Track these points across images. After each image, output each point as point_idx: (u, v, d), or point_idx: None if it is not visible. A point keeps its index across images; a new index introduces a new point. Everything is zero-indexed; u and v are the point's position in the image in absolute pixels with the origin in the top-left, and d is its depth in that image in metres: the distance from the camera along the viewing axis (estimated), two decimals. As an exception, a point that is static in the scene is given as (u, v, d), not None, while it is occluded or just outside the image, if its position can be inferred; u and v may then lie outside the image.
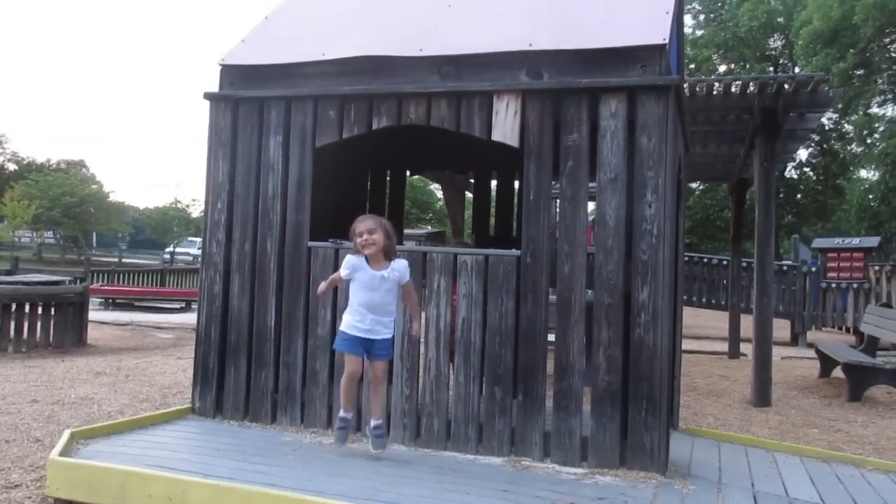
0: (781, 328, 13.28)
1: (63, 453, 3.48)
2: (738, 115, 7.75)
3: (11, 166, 54.67)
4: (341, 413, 4.04)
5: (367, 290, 3.93)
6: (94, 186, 49.57)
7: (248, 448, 3.98)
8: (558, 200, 4.20)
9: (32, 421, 5.11)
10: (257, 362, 4.67)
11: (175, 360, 8.72)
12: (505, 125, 4.23)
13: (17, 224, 40.11)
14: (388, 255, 3.98)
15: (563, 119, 4.14)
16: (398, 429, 4.34)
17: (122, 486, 3.16)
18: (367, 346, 3.93)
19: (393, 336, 4.05)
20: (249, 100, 4.77)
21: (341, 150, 4.98)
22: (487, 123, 4.27)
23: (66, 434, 3.80)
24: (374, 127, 4.51)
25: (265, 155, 4.73)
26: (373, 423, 3.97)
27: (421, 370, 4.35)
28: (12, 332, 9.11)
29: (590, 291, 4.08)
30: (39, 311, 9.55)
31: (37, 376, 7.07)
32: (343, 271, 4.04)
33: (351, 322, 3.94)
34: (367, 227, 3.96)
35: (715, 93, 7.16)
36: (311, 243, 4.63)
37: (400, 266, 4.00)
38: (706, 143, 9.23)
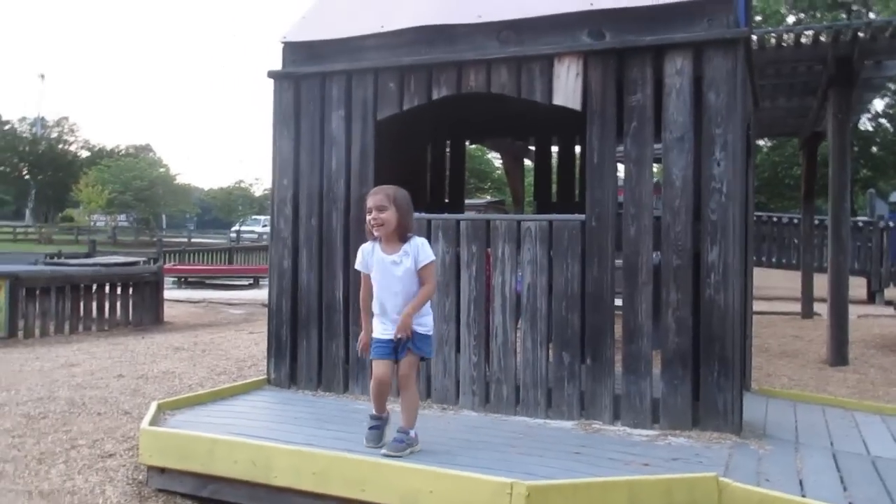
0: (857, 286, 12.81)
1: (153, 423, 3.66)
2: (809, 67, 7.44)
3: (84, 153, 56.87)
4: (372, 412, 3.54)
5: (382, 281, 3.40)
6: (161, 169, 51.18)
7: (324, 416, 4.12)
8: (621, 164, 4.15)
9: (120, 395, 5.37)
10: (328, 334, 4.79)
11: (247, 334, 9.00)
12: (567, 88, 4.18)
13: (93, 209, 41.81)
14: (403, 234, 3.41)
15: (627, 79, 4.06)
16: (468, 395, 4.40)
17: (211, 453, 3.32)
18: (395, 346, 3.38)
19: (425, 332, 3.44)
20: (311, 75, 4.83)
21: (401, 122, 5.01)
22: (549, 88, 4.22)
23: (154, 406, 3.99)
24: (434, 97, 4.52)
25: (328, 130, 4.80)
26: (397, 428, 3.44)
27: (489, 337, 4.39)
28: (94, 312, 9.55)
29: (656, 254, 4.02)
30: (118, 291, 9.96)
31: (120, 353, 7.40)
32: (357, 265, 3.52)
33: (376, 325, 3.45)
34: (375, 202, 3.37)
35: (785, 44, 6.87)
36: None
37: (414, 246, 3.38)
38: (775, 96, 8.89)
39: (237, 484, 3.25)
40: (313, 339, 4.84)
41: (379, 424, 3.50)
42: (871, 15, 26.76)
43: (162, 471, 3.43)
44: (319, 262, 4.84)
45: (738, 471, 3.21)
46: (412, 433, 3.43)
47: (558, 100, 4.20)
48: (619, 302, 4.08)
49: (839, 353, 6.76)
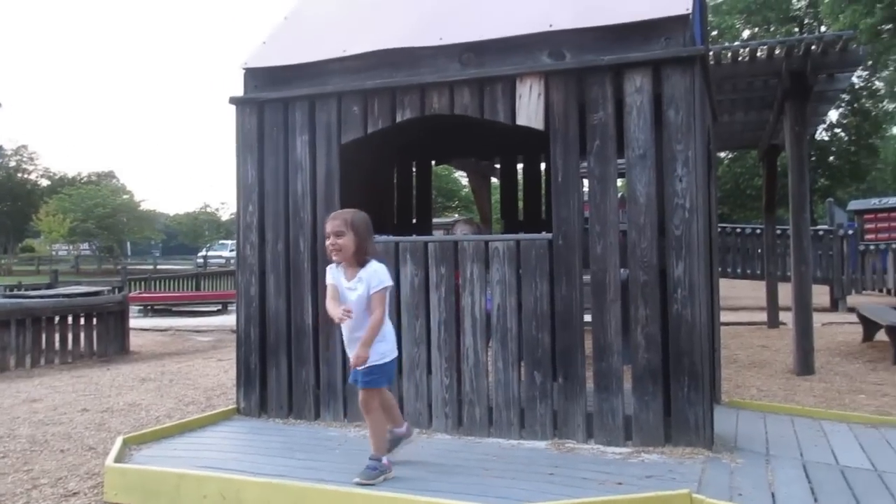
0: (820, 294, 13.07)
1: (118, 459, 3.57)
2: (765, 81, 7.61)
3: (44, 182, 55.81)
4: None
5: (343, 300, 3.43)
6: (125, 196, 50.45)
7: (295, 445, 4.05)
8: (587, 180, 4.18)
9: (84, 429, 5.23)
10: (298, 360, 4.73)
11: (216, 362, 8.86)
12: (529, 108, 4.21)
13: (54, 238, 40.99)
14: (362, 259, 3.41)
15: (588, 98, 4.11)
16: (440, 418, 4.37)
17: (178, 488, 3.24)
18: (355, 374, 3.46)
19: (376, 364, 3.41)
20: (274, 101, 4.81)
21: (366, 145, 5.00)
22: (511, 108, 4.26)
23: (119, 441, 3.90)
24: (398, 119, 4.52)
25: (292, 154, 4.77)
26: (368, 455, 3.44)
27: (460, 359, 4.37)
28: (57, 344, 9.32)
29: (623, 270, 4.06)
30: (82, 321, 9.75)
31: (84, 385, 7.23)
32: (327, 280, 3.56)
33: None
34: (333, 227, 3.40)
35: (740, 59, 7.03)
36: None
37: (369, 272, 3.38)
38: (733, 110, 9.08)
39: (206, 520, 3.18)
40: (283, 366, 4.78)
41: (393, 437, 3.66)
42: (823, 28, 27.56)
43: (127, 509, 3.34)
44: (287, 288, 4.79)
45: (711, 486, 3.23)
46: (384, 460, 3.41)
47: (521, 120, 4.23)
48: (588, 318, 4.11)
49: (805, 363, 6.86)
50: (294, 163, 4.76)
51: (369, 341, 3.37)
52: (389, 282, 3.46)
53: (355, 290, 3.40)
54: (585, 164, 4.13)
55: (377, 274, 3.41)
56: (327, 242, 3.45)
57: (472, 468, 3.55)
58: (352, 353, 3.44)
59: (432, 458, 3.76)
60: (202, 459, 3.64)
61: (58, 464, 4.35)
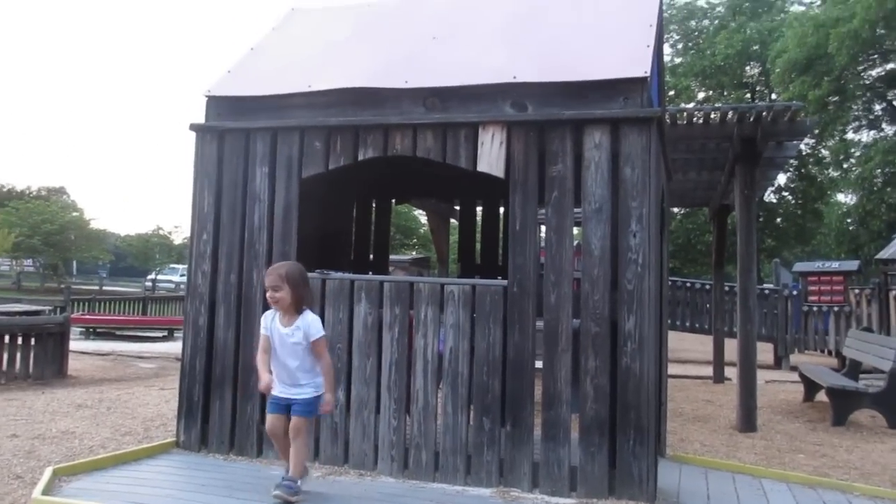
0: (764, 351, 13.37)
1: (45, 492, 3.42)
2: (717, 143, 7.85)
3: (-9, 194, 54.17)
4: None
5: (279, 349, 3.74)
6: (74, 214, 49.20)
7: (235, 483, 3.94)
8: (544, 227, 4.24)
9: (13, 456, 5.01)
10: (243, 394, 4.64)
11: (157, 390, 8.60)
12: (490, 156, 4.28)
13: (-4, 253, 39.65)
14: (299, 308, 3.75)
15: (548, 150, 4.19)
16: (386, 460, 4.31)
17: (107, 527, 3.11)
18: (287, 404, 3.74)
19: (315, 396, 3.75)
20: (236, 131, 4.79)
21: (327, 180, 5.00)
22: (473, 154, 4.32)
23: (49, 471, 3.74)
24: (361, 158, 4.54)
25: (251, 185, 4.74)
26: (284, 474, 3.73)
27: (409, 401, 4.33)
28: (-9, 365, 8.97)
29: (576, 320, 4.10)
30: (19, 342, 9.40)
31: (16, 409, 6.94)
32: (261, 329, 3.86)
33: (274, 383, 3.77)
34: (270, 282, 3.74)
35: (695, 121, 7.27)
36: (315, 274, 4.61)
37: (306, 323, 3.71)
38: (687, 169, 9.34)
39: (136, 560, 3.05)
40: (227, 400, 4.67)
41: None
42: (773, 96, 28.72)
43: (53, 546, 3.19)
44: (237, 320, 4.71)
45: (651, 541, 3.23)
46: (299, 482, 3.70)
47: (482, 167, 4.29)
48: (539, 364, 4.12)
49: (748, 420, 6.98)
50: (252, 194, 4.73)
51: (332, 386, 3.82)
52: (324, 331, 3.82)
53: (292, 336, 3.72)
54: (543, 211, 4.20)
55: (314, 324, 3.76)
56: (267, 295, 3.79)
57: (415, 514, 3.50)
58: (282, 385, 3.75)
59: (375, 502, 3.69)
60: (136, 495, 3.51)
61: (-20, 493, 4.15)
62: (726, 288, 12.36)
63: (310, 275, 4.59)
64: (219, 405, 4.67)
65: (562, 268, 4.10)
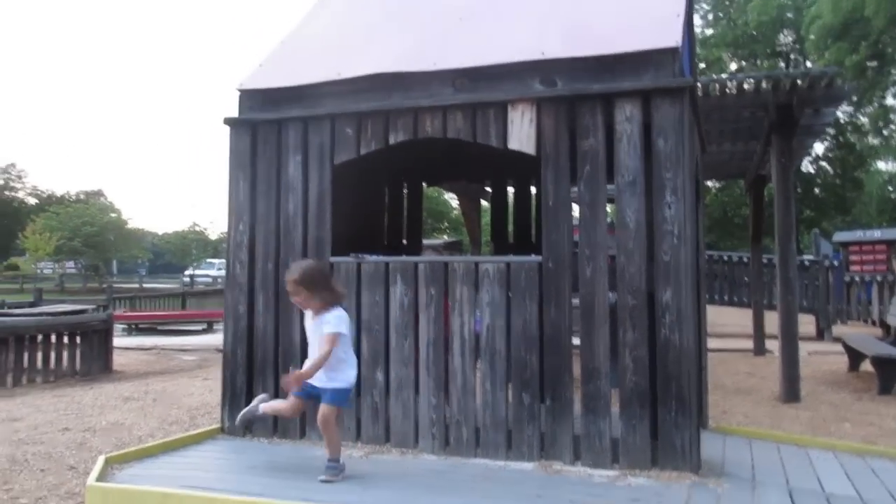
0: (806, 324, 13.13)
1: (99, 479, 3.53)
2: (752, 113, 7.73)
3: (32, 200, 55.54)
4: None
5: (310, 339, 3.92)
6: (112, 215, 50.25)
7: (280, 464, 4.02)
8: (576, 205, 4.22)
9: (65, 449, 5.17)
10: (285, 380, 4.71)
11: (201, 381, 8.78)
12: (521, 134, 4.26)
13: (40, 256, 40.67)
14: (325, 306, 3.82)
15: (579, 125, 4.17)
16: (427, 438, 4.35)
17: (161, 507, 3.21)
18: (312, 392, 3.86)
19: (344, 387, 3.84)
20: (268, 122, 4.84)
21: (358, 167, 5.04)
22: (503, 133, 4.31)
23: (101, 460, 3.85)
24: (391, 142, 4.56)
25: (285, 175, 4.79)
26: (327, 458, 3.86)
27: (448, 380, 4.37)
28: (40, 363, 9.22)
29: (612, 294, 4.09)
30: (65, 340, 9.65)
31: (66, 405, 7.15)
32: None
33: None
34: (288, 289, 3.87)
35: (728, 91, 7.14)
36: (333, 259, 4.67)
37: (325, 319, 3.79)
38: (721, 141, 9.20)
39: (190, 539, 3.14)
40: (269, 385, 4.75)
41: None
42: (808, 64, 28.07)
43: (110, 527, 3.29)
44: (276, 307, 4.78)
45: (697, 510, 3.23)
46: (341, 461, 3.83)
47: (513, 144, 4.28)
48: (577, 341, 4.12)
49: (791, 390, 6.90)
50: (286, 183, 4.78)
51: (311, 372, 3.79)
52: (341, 329, 3.80)
53: (316, 330, 3.83)
54: (575, 189, 4.18)
55: (332, 321, 3.78)
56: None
57: (459, 489, 3.54)
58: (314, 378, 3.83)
59: (418, 479, 3.74)
60: (185, 479, 3.60)
61: (38, 483, 4.30)
62: (764, 261, 12.16)
63: (344, 259, 4.67)
64: (261, 390, 4.75)
65: (596, 242, 4.08)
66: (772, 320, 8.29)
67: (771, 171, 7.70)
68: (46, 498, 4.00)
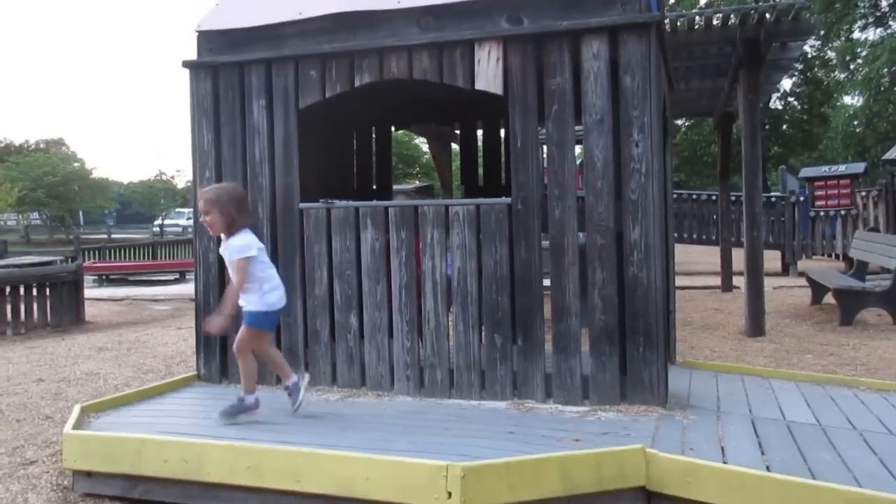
0: (772, 259, 13.43)
1: (76, 427, 3.54)
2: (720, 49, 7.71)
3: (-10, 149, 53.94)
4: None
5: (229, 269, 3.89)
6: (75, 164, 49.08)
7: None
8: (545, 146, 4.22)
9: (40, 399, 5.17)
10: (258, 326, 4.72)
11: (175, 330, 8.78)
12: (488, 73, 4.21)
13: (1, 208, 39.78)
14: (231, 231, 3.77)
15: (546, 63, 4.12)
16: (402, 381, 4.42)
17: (139, 454, 3.23)
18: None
19: (260, 309, 3.82)
20: (229, 65, 4.72)
21: (325, 110, 4.96)
22: (470, 73, 4.25)
23: (77, 408, 3.86)
24: (357, 84, 4.48)
25: (249, 119, 4.70)
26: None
27: (421, 322, 4.41)
28: (9, 315, 9.14)
29: (581, 234, 4.13)
30: (34, 292, 9.56)
31: (39, 356, 7.12)
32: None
33: None
34: (201, 207, 3.78)
35: (696, 27, 7.11)
36: (302, 205, 4.64)
37: (231, 242, 3.75)
38: (689, 78, 9.19)
39: (169, 483, 3.18)
40: (243, 333, 4.76)
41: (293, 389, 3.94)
42: (778, -2, 27.82)
43: (88, 474, 3.32)
44: (246, 255, 4.75)
45: (664, 441, 3.34)
46: (253, 399, 3.82)
47: (480, 85, 4.23)
48: (547, 282, 4.17)
49: (756, 324, 7.09)
50: (251, 128, 4.70)
51: (231, 307, 3.81)
52: (250, 252, 3.74)
53: (228, 259, 3.81)
54: (543, 130, 4.17)
55: (232, 245, 3.74)
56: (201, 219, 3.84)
57: (434, 428, 3.62)
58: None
59: (394, 419, 3.81)
60: (162, 425, 3.63)
61: (14, 433, 4.31)
62: (732, 198, 12.31)
63: (314, 205, 4.63)
64: (235, 337, 4.76)
65: (565, 182, 4.09)
66: (739, 257, 8.45)
67: (738, 107, 7.73)
68: (24, 448, 4.02)
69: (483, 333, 4.28)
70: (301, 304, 4.63)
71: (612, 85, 4.00)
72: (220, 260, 4.76)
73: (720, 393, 4.48)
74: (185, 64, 4.81)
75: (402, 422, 3.76)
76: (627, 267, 3.99)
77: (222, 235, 3.84)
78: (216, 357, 4.80)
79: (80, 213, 52.32)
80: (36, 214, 46.97)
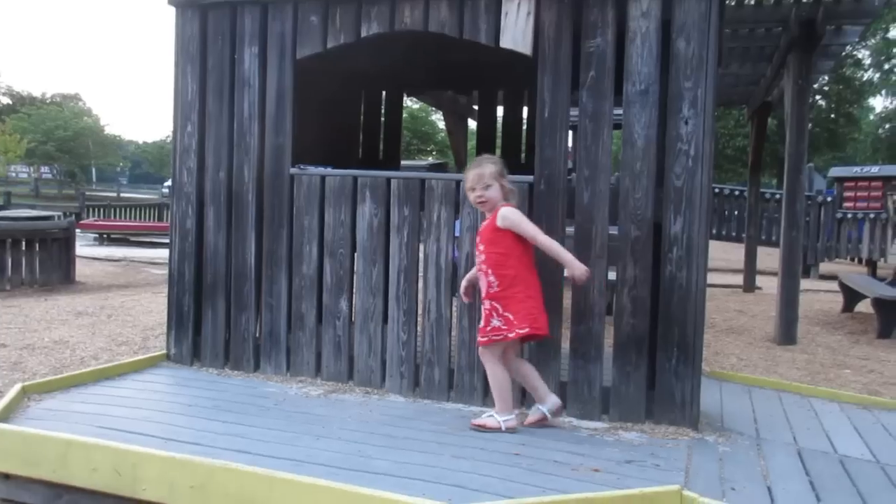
0: (796, 260, 12.75)
1: (4, 413, 3.00)
2: (768, 29, 7.03)
3: (5, 100, 53.55)
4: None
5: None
6: (87, 120, 48.61)
7: (224, 403, 3.52)
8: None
9: (-5, 368, 4.66)
10: (237, 304, 4.19)
11: (164, 297, 8.24)
12: (516, 29, 3.61)
13: (10, 159, 39.38)
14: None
15: (585, 21, 3.51)
16: (395, 378, 3.87)
17: (64, 458, 2.67)
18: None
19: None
20: (219, 5, 4.14)
21: (329, 67, 4.37)
22: (496, 27, 3.64)
23: (17, 388, 3.33)
24: (364, 34, 3.89)
25: (239, 69, 4.13)
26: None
27: (420, 313, 3.86)
28: (-6, 270, 8.67)
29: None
30: (23, 247, 9.08)
31: (12, 317, 6.61)
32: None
33: None
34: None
35: (746, 3, 6.45)
36: (293, 171, 4.06)
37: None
38: (728, 62, 8.50)
39: (99, 496, 2.63)
40: (220, 310, 4.23)
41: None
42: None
43: (6, 477, 2.78)
44: (228, 222, 4.21)
45: (699, 476, 2.79)
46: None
47: (506, 42, 3.62)
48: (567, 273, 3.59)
49: (788, 332, 6.49)
50: (241, 78, 4.12)
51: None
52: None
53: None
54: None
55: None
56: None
57: (426, 442, 3.06)
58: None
59: (380, 426, 3.26)
60: (107, 418, 3.10)
61: (-48, 409, 3.79)
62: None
63: (312, 171, 4.07)
64: (211, 315, 4.23)
65: (598, 161, 3.49)
66: (763, 255, 7.87)
67: (781, 96, 7.08)
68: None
69: (491, 330, 3.70)
70: (286, 283, 4.08)
71: (663, 50, 3.39)
72: (199, 226, 4.24)
73: (757, 414, 3.92)
74: (171, 1, 4.23)
75: (389, 431, 3.20)
76: (665, 265, 3.40)
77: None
78: (188, 337, 4.27)
79: (93, 169, 51.93)
80: (46, 168, 46.60)
